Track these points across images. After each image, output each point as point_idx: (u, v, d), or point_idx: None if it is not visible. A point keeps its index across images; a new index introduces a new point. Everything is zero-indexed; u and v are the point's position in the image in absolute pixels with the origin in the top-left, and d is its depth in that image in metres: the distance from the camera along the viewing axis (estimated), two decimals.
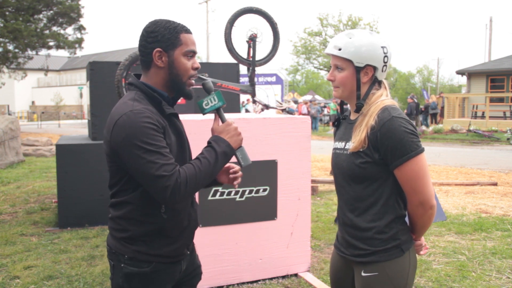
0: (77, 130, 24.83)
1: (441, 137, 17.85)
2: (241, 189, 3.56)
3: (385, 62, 1.80)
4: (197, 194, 2.22)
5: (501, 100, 22.38)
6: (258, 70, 4.43)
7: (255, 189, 3.61)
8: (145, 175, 1.55)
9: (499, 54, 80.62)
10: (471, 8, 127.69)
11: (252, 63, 4.14)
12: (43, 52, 23.05)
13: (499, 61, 24.67)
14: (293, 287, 3.66)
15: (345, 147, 1.83)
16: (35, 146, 13.43)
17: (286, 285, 3.69)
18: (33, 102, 51.07)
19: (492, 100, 21.82)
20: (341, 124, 1.97)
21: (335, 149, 1.92)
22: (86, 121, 19.31)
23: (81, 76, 45.60)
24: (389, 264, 1.76)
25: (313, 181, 7.44)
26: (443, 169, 9.98)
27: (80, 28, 22.12)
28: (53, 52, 23.58)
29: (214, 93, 1.77)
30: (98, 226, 5.40)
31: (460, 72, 25.25)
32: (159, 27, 1.69)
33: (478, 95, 23.18)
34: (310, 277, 3.77)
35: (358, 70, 1.78)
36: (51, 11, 20.95)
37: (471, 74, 24.28)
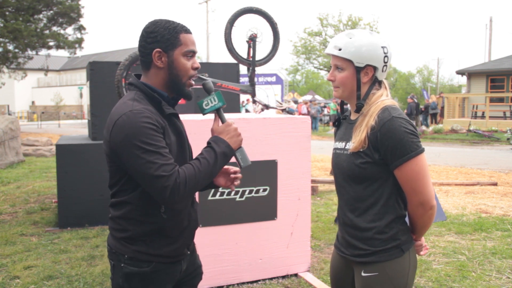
0: (77, 130, 24.83)
1: (441, 137, 17.84)
2: (241, 189, 3.56)
3: (385, 62, 1.80)
4: (197, 194, 2.22)
5: (501, 100, 22.38)
6: (258, 70, 4.43)
7: (255, 189, 3.61)
8: (144, 175, 1.55)
9: (499, 54, 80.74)
10: (471, 8, 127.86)
11: (252, 63, 4.14)
12: (43, 52, 23.08)
13: (499, 61, 24.68)
14: (293, 287, 3.66)
15: (346, 147, 1.83)
16: (35, 146, 13.43)
17: (286, 285, 3.69)
18: (33, 102, 51.07)
19: (492, 100, 21.83)
20: (342, 124, 1.97)
21: (335, 149, 1.92)
22: (86, 121, 19.32)
23: (81, 76, 45.61)
24: (389, 264, 1.76)
25: (313, 181, 7.44)
26: (443, 169, 9.98)
27: (80, 28, 22.13)
28: (53, 52, 23.63)
29: (214, 94, 1.77)
30: (98, 226, 5.40)
31: (460, 72, 25.26)
32: (159, 27, 1.69)
33: (478, 95, 23.18)
34: (310, 277, 3.77)
35: (358, 70, 1.78)
36: (51, 11, 20.95)
37: (471, 74, 24.29)
